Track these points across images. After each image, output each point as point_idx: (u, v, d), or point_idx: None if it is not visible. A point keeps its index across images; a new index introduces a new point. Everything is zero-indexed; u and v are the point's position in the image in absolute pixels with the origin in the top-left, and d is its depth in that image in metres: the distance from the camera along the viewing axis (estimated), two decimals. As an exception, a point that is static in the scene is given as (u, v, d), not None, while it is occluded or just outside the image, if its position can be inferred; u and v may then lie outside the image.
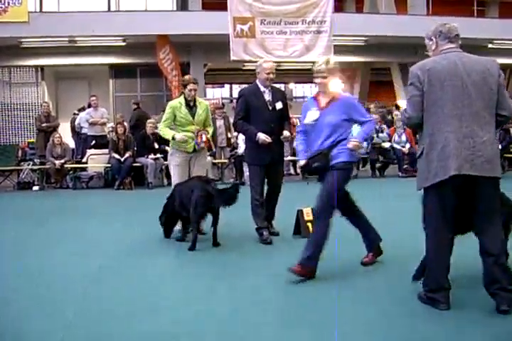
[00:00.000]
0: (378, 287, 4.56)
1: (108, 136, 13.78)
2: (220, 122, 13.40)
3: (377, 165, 13.83)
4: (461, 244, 4.18)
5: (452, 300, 3.96)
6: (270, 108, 6.48)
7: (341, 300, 4.18)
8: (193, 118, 6.94)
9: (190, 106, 6.97)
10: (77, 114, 15.07)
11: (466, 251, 4.26)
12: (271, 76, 6.48)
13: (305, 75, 25.49)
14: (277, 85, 7.78)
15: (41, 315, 4.05)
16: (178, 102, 7.01)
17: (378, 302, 4.18)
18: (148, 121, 13.26)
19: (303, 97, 25.24)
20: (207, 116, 7.14)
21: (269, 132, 6.32)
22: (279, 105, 6.53)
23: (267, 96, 6.51)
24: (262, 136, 6.24)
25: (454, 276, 4.08)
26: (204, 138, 6.91)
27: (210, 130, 7.21)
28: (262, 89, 6.53)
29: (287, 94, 28.72)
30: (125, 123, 13.60)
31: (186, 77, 7.26)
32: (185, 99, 6.95)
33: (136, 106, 15.36)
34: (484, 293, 3.90)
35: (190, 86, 6.85)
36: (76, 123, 14.82)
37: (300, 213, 6.52)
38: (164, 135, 7.07)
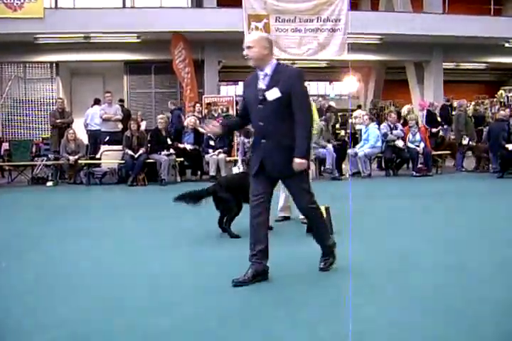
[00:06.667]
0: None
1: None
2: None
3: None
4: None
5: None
6: (260, 99, 4.45)
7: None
8: None
9: None
10: (91, 111, 15.14)
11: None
12: (245, 52, 4.51)
13: (319, 73, 25.55)
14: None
15: (53, 310, 4.06)
16: None
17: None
18: (160, 116, 13.31)
19: (316, 95, 25.09)
20: None
21: (259, 133, 4.57)
22: (271, 94, 4.39)
23: (261, 83, 4.49)
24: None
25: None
26: None
27: None
28: (259, 73, 4.55)
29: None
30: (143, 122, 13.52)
31: None
32: None
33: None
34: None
35: None
36: (84, 119, 14.91)
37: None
38: None
